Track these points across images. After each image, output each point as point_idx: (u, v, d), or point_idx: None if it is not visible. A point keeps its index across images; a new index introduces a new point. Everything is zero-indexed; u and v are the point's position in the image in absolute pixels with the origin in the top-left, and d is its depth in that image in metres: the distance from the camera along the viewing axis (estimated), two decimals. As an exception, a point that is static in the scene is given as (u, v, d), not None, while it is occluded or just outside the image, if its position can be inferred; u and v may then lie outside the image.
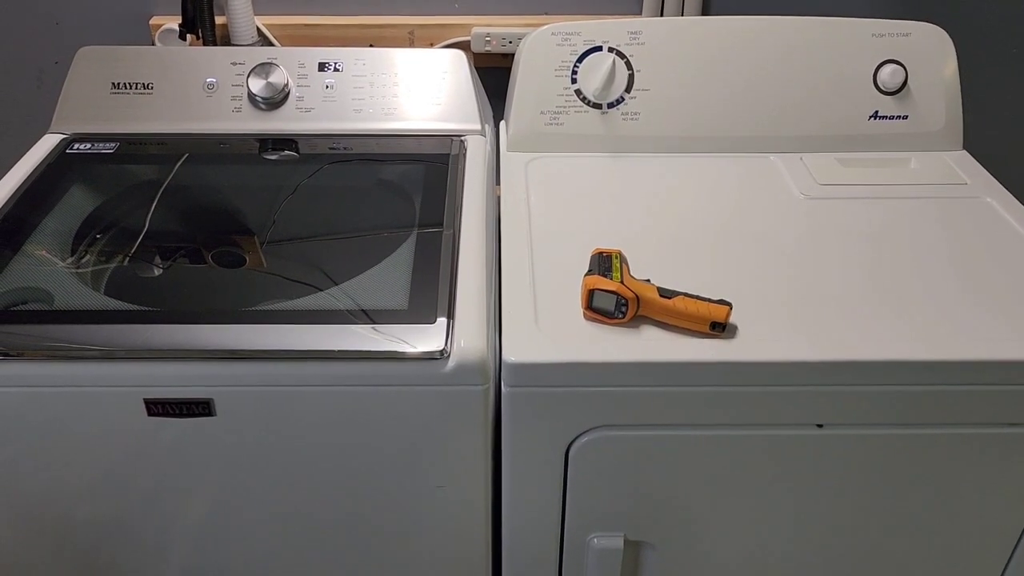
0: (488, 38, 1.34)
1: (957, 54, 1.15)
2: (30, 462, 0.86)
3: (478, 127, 1.16)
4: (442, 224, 0.97)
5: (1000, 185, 1.09)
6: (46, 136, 1.14)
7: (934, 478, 0.89)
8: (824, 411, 0.84)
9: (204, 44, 1.30)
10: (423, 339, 0.81)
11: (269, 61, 1.16)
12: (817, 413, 0.84)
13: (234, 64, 1.17)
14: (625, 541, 0.92)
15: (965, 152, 1.16)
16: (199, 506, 0.90)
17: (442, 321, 0.83)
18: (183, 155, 1.11)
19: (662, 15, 1.36)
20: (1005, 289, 0.90)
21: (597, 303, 0.84)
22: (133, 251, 0.95)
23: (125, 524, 0.92)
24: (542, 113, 1.14)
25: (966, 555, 0.96)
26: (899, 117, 1.15)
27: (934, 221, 1.02)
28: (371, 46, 1.31)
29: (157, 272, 0.92)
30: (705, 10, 1.37)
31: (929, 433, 0.86)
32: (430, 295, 0.86)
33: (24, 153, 1.11)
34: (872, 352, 0.81)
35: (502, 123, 1.21)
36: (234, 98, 1.16)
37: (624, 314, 0.84)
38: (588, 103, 1.14)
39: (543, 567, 0.96)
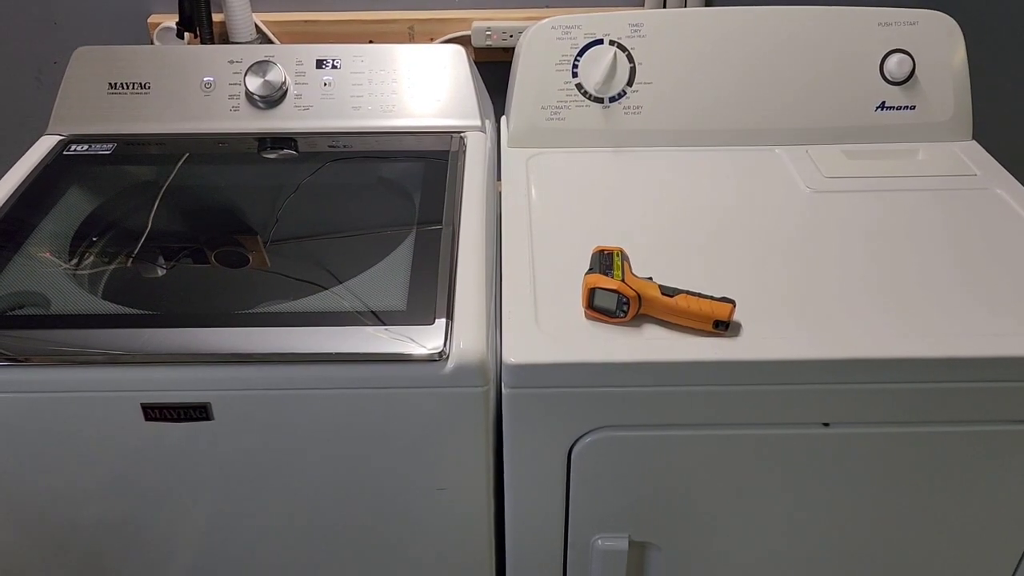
0: (488, 32, 1.32)
1: (966, 42, 1.13)
2: (27, 467, 0.86)
3: (478, 123, 1.15)
4: (441, 222, 0.96)
5: (1010, 176, 1.07)
6: (43, 138, 1.13)
7: (943, 476, 0.88)
8: (830, 410, 0.83)
9: (202, 42, 1.29)
10: (422, 341, 0.80)
11: (266, 59, 1.15)
12: (823, 412, 0.83)
13: (231, 62, 1.16)
14: (630, 542, 0.91)
15: (974, 142, 1.14)
16: (199, 510, 0.90)
17: (441, 322, 0.82)
18: (181, 155, 1.10)
19: (665, 7, 1.34)
20: (1015, 283, 0.88)
21: (598, 302, 0.83)
22: (131, 253, 0.94)
23: (125, 529, 0.91)
24: (543, 108, 1.13)
25: (977, 554, 0.94)
26: (906, 107, 1.13)
27: (943, 214, 1.00)
28: (371, 42, 1.30)
29: (155, 274, 0.91)
30: (708, 1, 1.35)
31: (937, 431, 0.84)
32: (429, 295, 0.85)
33: (24, 154, 1.10)
34: (879, 349, 0.80)
35: (503, 118, 1.20)
36: (232, 97, 1.15)
37: (626, 313, 0.82)
38: (589, 97, 1.13)
39: (548, 569, 0.95)
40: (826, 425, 0.84)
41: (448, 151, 1.10)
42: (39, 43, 1.39)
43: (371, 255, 0.92)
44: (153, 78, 1.15)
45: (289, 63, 1.16)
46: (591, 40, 1.12)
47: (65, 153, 1.10)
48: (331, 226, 0.98)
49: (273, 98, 1.15)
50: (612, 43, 1.12)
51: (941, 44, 1.13)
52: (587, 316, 0.84)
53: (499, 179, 1.11)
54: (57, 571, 0.95)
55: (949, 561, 0.95)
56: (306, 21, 1.34)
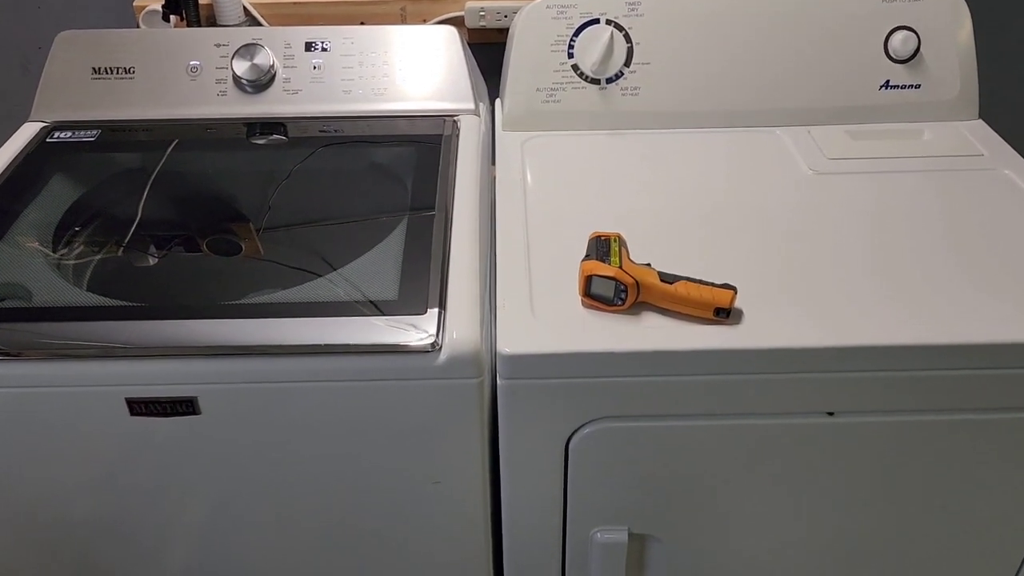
0: (482, 13, 1.30)
1: (972, 18, 1.10)
2: (9, 463, 0.84)
3: (472, 106, 1.12)
4: (434, 208, 0.93)
5: (1018, 155, 1.05)
6: (26, 124, 1.11)
7: (949, 466, 0.86)
8: (835, 399, 0.81)
9: (189, 25, 1.27)
10: (414, 331, 0.78)
11: (254, 42, 1.12)
12: (827, 401, 0.81)
13: (218, 46, 1.13)
14: (630, 535, 0.90)
15: (981, 121, 1.12)
16: (188, 506, 0.88)
17: (434, 311, 0.79)
18: (166, 142, 1.07)
19: (663, -16, 1.31)
20: (1025, 266, 0.86)
21: (595, 289, 0.81)
22: (117, 243, 0.92)
23: (113, 525, 0.90)
24: (538, 90, 1.10)
25: (985, 543, 0.93)
26: (911, 86, 1.11)
27: (949, 195, 0.97)
28: (362, 23, 1.28)
29: (142, 264, 0.89)
30: (707, -22, 1.32)
31: (944, 419, 0.82)
32: (421, 284, 0.82)
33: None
34: (884, 336, 0.78)
35: (497, 101, 1.17)
36: (219, 81, 1.12)
37: (624, 301, 0.80)
38: (586, 78, 1.10)
39: (546, 563, 0.93)
40: (831, 414, 0.82)
41: (441, 135, 1.07)
42: (23, 29, 1.36)
43: (362, 243, 0.89)
44: (138, 62, 1.13)
45: (277, 46, 1.13)
46: (587, 20, 1.09)
47: (48, 140, 1.08)
48: (322, 213, 0.96)
49: (261, 82, 1.12)
50: (609, 22, 1.09)
51: (947, 21, 1.10)
52: (584, 304, 0.82)
53: (493, 163, 1.08)
54: (44, 567, 0.93)
55: (956, 550, 0.94)
56: (295, 3, 1.31)
